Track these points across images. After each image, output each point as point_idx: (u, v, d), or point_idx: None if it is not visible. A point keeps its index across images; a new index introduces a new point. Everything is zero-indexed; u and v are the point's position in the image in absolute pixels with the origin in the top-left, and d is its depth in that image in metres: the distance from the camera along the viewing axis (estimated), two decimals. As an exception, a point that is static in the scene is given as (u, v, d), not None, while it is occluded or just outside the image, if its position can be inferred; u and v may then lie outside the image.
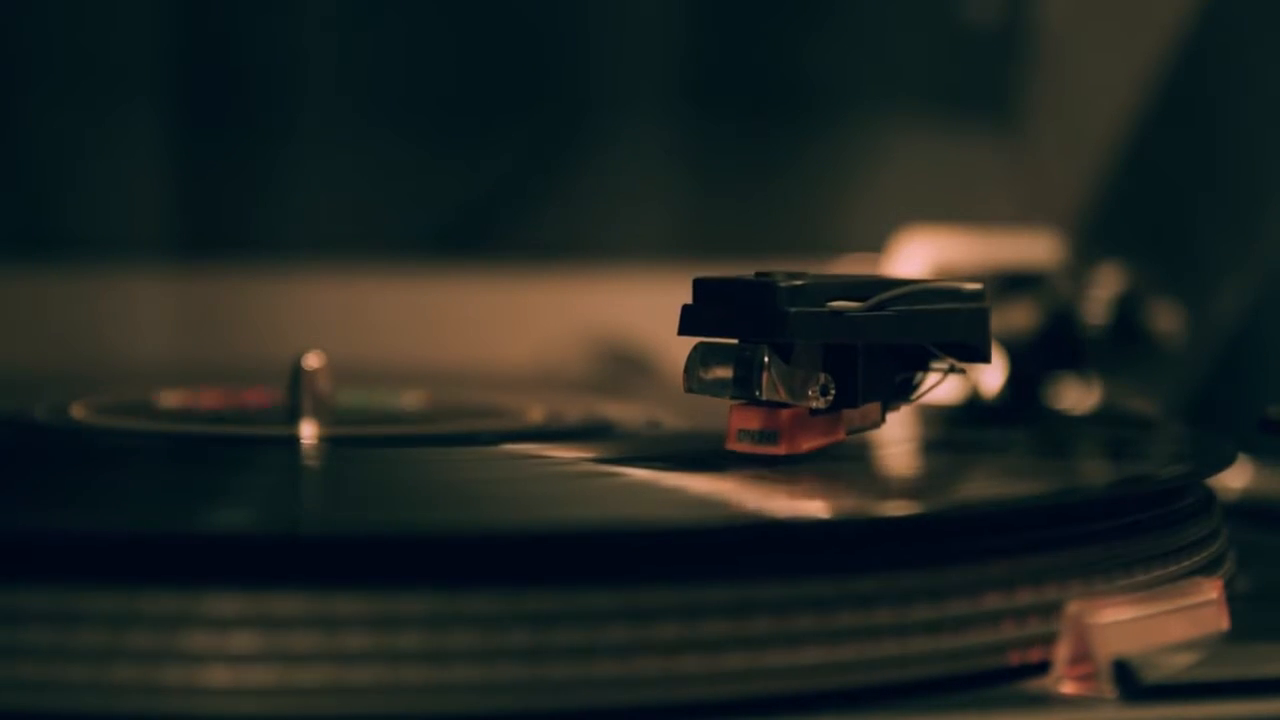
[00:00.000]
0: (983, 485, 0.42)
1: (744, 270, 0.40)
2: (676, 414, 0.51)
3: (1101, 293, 0.60)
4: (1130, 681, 0.33)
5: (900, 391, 0.41)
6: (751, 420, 0.39)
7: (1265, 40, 0.70)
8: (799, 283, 0.38)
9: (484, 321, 0.75)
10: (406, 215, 0.77)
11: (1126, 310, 0.60)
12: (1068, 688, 0.33)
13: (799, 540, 0.33)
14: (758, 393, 0.38)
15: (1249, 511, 0.50)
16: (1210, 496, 0.42)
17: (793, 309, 0.38)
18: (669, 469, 0.39)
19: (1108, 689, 0.33)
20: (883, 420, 0.41)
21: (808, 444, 0.39)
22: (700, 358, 0.39)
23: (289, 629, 0.30)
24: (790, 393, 0.39)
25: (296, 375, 0.46)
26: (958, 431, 0.51)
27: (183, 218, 0.74)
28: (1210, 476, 0.42)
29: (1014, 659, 0.34)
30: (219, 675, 0.30)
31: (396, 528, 0.33)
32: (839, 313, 0.38)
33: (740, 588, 0.32)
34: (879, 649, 0.33)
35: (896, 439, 0.45)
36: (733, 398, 0.39)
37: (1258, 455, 0.53)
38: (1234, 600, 0.37)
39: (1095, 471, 0.46)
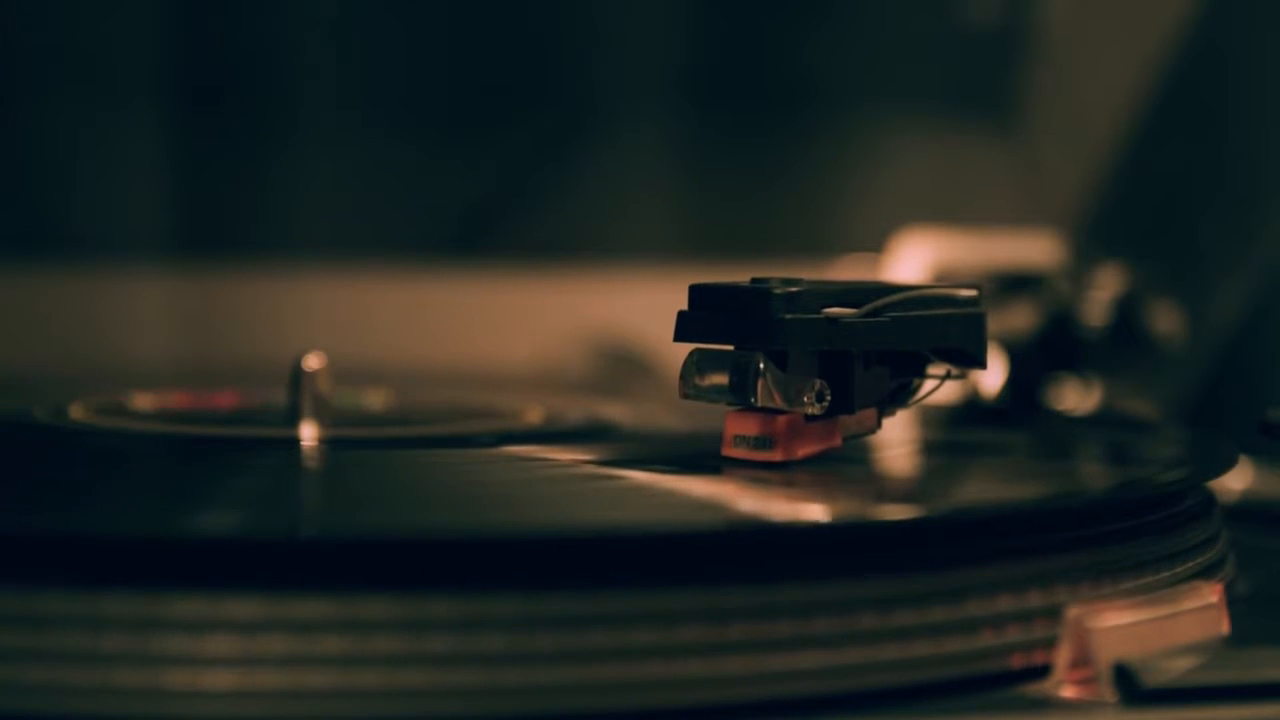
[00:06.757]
0: (982, 488, 0.42)
1: (742, 274, 0.40)
2: (676, 415, 0.51)
3: (1101, 293, 0.60)
4: (1131, 685, 0.33)
5: (896, 397, 0.41)
6: (747, 426, 0.39)
7: (1265, 40, 0.70)
8: (794, 290, 0.38)
9: (484, 321, 0.75)
10: (406, 215, 0.77)
11: (1126, 311, 0.60)
12: (1068, 692, 0.33)
13: (796, 545, 0.33)
14: (753, 399, 0.38)
15: (1249, 514, 0.50)
16: (1210, 499, 0.42)
17: (788, 316, 0.38)
18: (670, 472, 0.39)
19: (1108, 693, 0.33)
20: (879, 426, 0.41)
21: (803, 450, 0.39)
22: (696, 364, 0.39)
23: (295, 632, 0.30)
24: (786, 399, 0.39)
25: (296, 375, 0.46)
26: (956, 433, 0.51)
27: (183, 218, 0.74)
28: (1210, 479, 0.42)
29: (1014, 663, 0.34)
30: (224, 678, 0.30)
31: (403, 532, 0.33)
32: (834, 320, 0.38)
33: (740, 592, 0.32)
34: (879, 653, 0.33)
35: (894, 441, 0.45)
36: (729, 404, 0.39)
37: (1258, 457, 0.53)
38: (1234, 604, 0.37)
39: (1095, 474, 0.46)
